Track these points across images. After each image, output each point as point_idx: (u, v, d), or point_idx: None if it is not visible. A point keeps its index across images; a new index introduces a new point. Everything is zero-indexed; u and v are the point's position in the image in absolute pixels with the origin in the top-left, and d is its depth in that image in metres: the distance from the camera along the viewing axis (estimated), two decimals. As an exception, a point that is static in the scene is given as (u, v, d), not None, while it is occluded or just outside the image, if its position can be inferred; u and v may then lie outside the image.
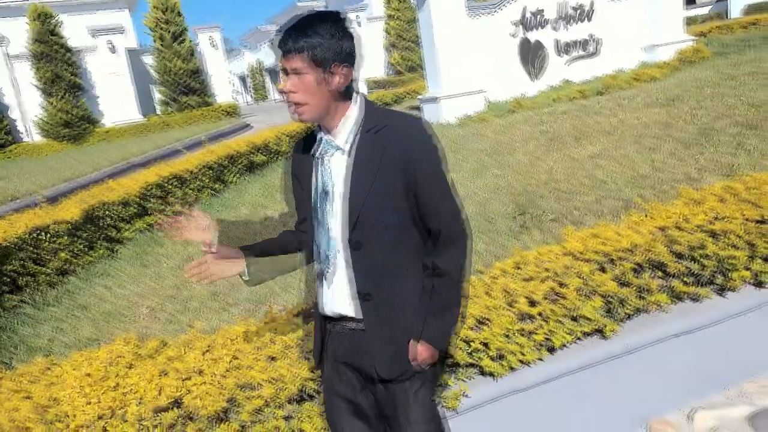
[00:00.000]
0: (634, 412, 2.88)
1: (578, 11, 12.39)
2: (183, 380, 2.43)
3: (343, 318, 1.82)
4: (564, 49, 12.42)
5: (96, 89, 22.11)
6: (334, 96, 1.69)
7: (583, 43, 12.56)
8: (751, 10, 21.71)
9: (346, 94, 1.72)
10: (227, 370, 2.45)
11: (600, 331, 2.79)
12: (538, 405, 2.70)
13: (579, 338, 2.76)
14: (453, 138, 8.90)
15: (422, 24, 11.47)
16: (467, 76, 11.12)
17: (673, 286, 2.94)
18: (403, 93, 18.39)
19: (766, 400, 2.88)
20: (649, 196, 4.75)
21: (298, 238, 1.98)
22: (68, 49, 20.48)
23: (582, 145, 6.88)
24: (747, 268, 2.98)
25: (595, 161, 6.14)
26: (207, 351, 2.65)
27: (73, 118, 19.93)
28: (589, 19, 12.51)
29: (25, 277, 5.57)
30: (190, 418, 2.28)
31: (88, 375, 2.59)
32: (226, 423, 2.28)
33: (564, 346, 2.73)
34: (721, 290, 3.02)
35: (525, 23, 12.00)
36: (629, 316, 2.88)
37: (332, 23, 1.65)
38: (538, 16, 12.09)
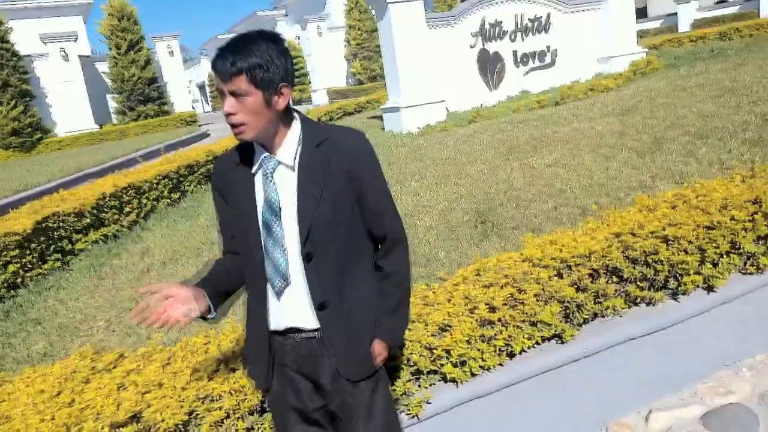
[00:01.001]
0: (592, 416, 2.94)
1: (535, 23, 12.69)
2: (142, 394, 2.37)
3: (292, 330, 1.81)
4: (522, 60, 12.68)
5: (48, 97, 21.52)
6: (278, 115, 1.69)
7: (540, 54, 12.85)
8: (699, 24, 22.63)
9: (287, 111, 1.73)
10: (188, 383, 2.40)
11: (559, 336, 2.84)
12: (500, 409, 2.73)
13: (538, 343, 2.81)
14: (414, 147, 8.96)
15: (383, 34, 11.54)
16: (428, 86, 11.23)
17: (628, 291, 3.02)
18: (365, 102, 18.38)
19: (717, 400, 2.98)
20: (605, 203, 4.87)
21: (240, 271, 1.90)
22: (18, 56, 19.89)
23: (540, 154, 7.02)
24: (698, 273, 3.08)
25: (553, 170, 6.27)
26: (167, 364, 2.60)
27: (22, 126, 19.33)
28: (546, 31, 12.82)
29: (-28, 292, 5.36)
30: (149, 433, 2.23)
31: (42, 391, 2.51)
32: (187, 436, 2.24)
33: (523, 351, 2.77)
34: (674, 294, 3.12)
35: (484, 34, 12.21)
36: (586, 321, 2.95)
37: (271, 43, 1.62)
38: (497, 28, 12.32)
